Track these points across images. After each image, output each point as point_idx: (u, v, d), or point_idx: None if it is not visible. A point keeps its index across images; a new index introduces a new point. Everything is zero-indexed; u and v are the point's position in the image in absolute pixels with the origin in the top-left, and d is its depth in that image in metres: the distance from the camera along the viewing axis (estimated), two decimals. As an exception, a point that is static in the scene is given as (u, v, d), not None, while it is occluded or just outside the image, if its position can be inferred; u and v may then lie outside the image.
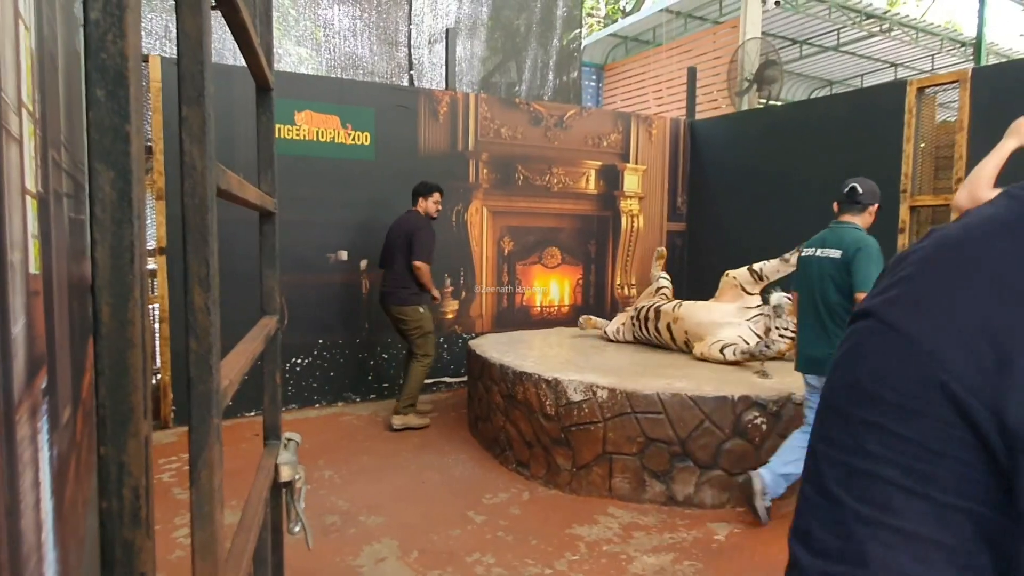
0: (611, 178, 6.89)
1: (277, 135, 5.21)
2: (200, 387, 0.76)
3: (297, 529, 1.52)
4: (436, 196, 5.12)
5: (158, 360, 4.99)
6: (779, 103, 9.81)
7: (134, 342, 0.57)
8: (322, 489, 3.87)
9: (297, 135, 5.31)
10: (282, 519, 1.61)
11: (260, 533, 1.20)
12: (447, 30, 6.48)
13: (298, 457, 1.60)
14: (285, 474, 1.46)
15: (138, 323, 0.57)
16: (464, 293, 6.20)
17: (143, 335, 0.57)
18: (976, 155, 5.03)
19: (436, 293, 5.20)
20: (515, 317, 6.48)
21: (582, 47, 9.67)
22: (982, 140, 5.01)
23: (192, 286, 0.79)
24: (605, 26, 16.38)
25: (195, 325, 0.77)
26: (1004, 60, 10.70)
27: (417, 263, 4.90)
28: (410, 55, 7.65)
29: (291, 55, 7.19)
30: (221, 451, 0.83)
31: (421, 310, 5.03)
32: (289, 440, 1.55)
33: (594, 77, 12.28)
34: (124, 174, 0.57)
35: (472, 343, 5.04)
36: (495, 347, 4.79)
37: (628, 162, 6.98)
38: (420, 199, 5.09)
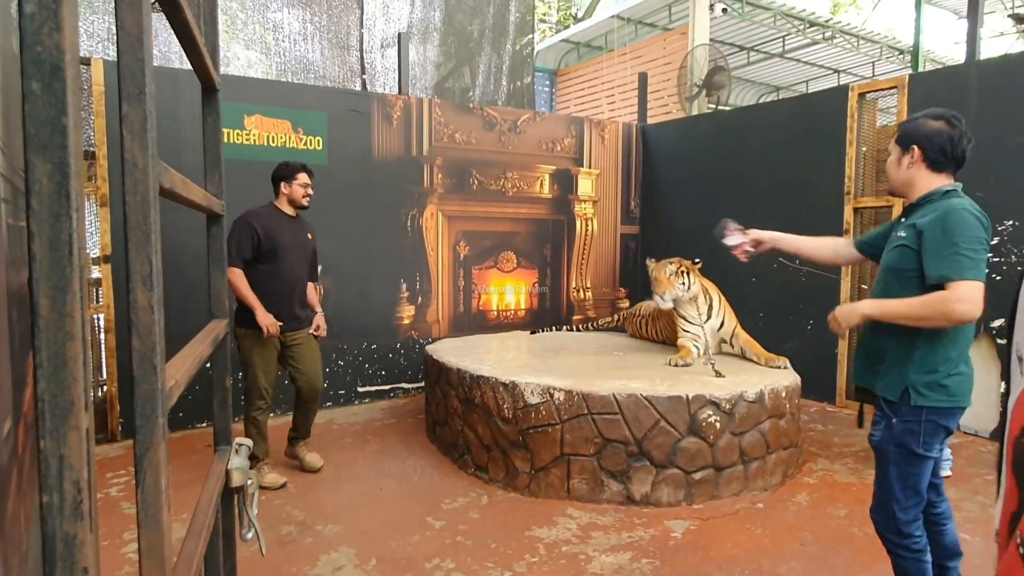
0: (565, 182, 6.95)
1: (226, 140, 5.15)
2: (144, 386, 0.75)
3: (250, 535, 1.50)
4: (302, 177, 4.00)
5: (104, 372, 4.85)
6: (728, 108, 10.03)
7: (74, 335, 0.56)
8: (277, 499, 3.81)
9: (247, 140, 5.22)
10: (234, 526, 1.58)
11: (211, 538, 1.18)
12: (399, 34, 6.46)
13: (250, 464, 1.58)
14: (236, 479, 1.44)
15: (77, 316, 0.56)
16: (420, 298, 6.18)
17: (83, 328, 0.57)
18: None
19: (262, 315, 3.78)
20: (472, 321, 6.48)
21: (535, 52, 9.75)
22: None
23: (135, 284, 0.78)
24: (557, 32, 16.52)
25: (138, 324, 0.76)
26: (939, 67, 11.14)
27: (229, 267, 3.71)
28: (362, 59, 7.61)
29: (240, 59, 7.08)
30: (167, 451, 0.81)
31: (241, 331, 3.87)
32: (240, 445, 1.53)
33: (547, 82, 12.38)
34: (61, 167, 0.57)
35: (429, 348, 5.02)
36: (452, 351, 4.78)
37: (582, 166, 7.05)
38: (281, 184, 4.00)
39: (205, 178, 1.61)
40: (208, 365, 1.47)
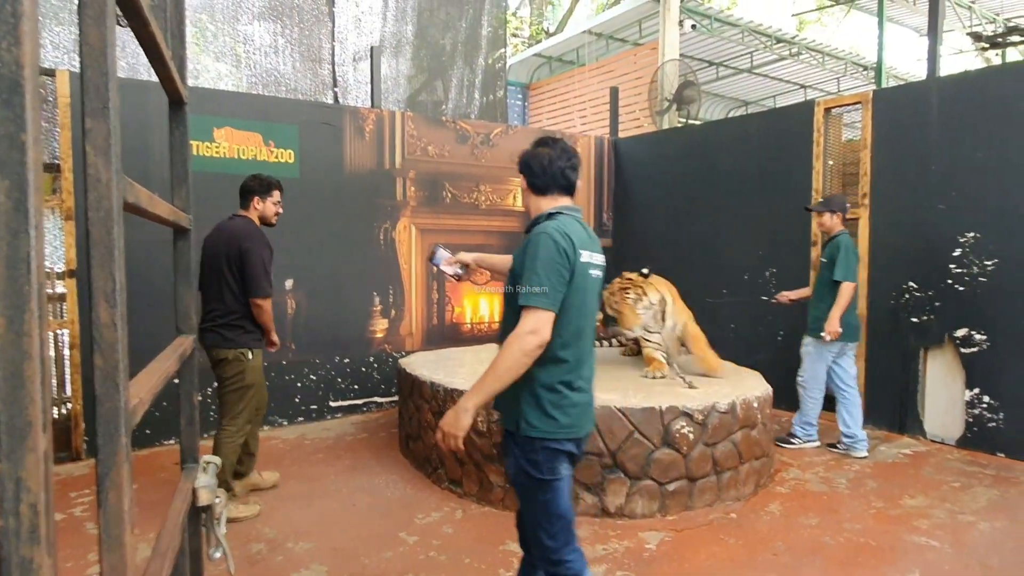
0: (538, 195, 6.97)
1: (196, 152, 5.09)
2: (107, 404, 0.74)
3: (218, 555, 1.48)
4: (276, 195, 3.89)
5: (68, 388, 4.74)
6: (698, 122, 10.17)
7: (31, 354, 0.55)
8: (247, 517, 3.74)
9: (216, 152, 5.17)
10: (202, 545, 1.55)
11: (177, 559, 1.16)
12: (372, 48, 6.46)
13: (218, 481, 1.55)
14: (203, 498, 1.42)
15: (35, 335, 0.55)
16: (393, 312, 6.15)
17: (40, 347, 0.56)
18: (879, 171, 5.35)
19: (275, 338, 3.95)
20: (445, 335, 6.46)
21: (507, 66, 9.81)
22: (884, 157, 5.32)
23: (98, 301, 0.76)
24: (529, 46, 16.65)
25: (101, 341, 0.75)
26: (902, 83, 11.41)
27: (257, 301, 3.69)
28: (334, 72, 7.59)
29: (209, 71, 7.02)
30: (130, 471, 0.80)
31: (250, 356, 3.74)
32: (208, 463, 1.50)
33: (519, 96, 12.45)
34: (20, 184, 0.55)
35: (402, 361, 4.99)
36: (425, 365, 4.75)
37: (554, 179, 7.08)
38: (255, 199, 3.83)
39: (172, 192, 1.59)
40: (176, 381, 1.45)
